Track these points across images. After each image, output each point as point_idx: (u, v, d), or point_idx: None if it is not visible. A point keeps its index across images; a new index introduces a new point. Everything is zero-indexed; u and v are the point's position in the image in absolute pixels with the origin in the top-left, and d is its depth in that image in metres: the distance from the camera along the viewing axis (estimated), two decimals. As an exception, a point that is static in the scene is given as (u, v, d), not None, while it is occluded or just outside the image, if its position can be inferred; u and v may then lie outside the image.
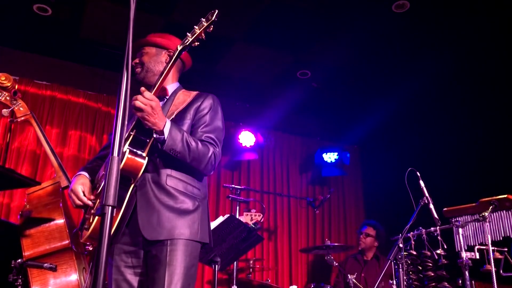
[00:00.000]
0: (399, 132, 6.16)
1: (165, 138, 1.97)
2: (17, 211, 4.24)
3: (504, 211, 3.32)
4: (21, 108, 3.26)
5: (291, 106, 5.89)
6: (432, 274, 3.32)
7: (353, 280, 4.16)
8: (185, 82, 2.43)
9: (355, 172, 6.66)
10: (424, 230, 3.41)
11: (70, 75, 5.19)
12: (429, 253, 3.36)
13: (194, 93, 2.32)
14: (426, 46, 4.70)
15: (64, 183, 3.18)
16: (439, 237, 3.30)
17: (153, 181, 2.05)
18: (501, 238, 3.30)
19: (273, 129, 6.22)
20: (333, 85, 5.64)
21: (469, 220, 3.36)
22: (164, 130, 1.97)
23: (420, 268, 3.38)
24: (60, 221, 2.96)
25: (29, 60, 5.05)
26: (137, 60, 2.31)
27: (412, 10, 4.16)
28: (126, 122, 1.39)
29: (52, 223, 2.95)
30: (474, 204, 3.34)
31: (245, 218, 4.38)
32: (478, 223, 3.32)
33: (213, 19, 2.01)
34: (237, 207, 4.71)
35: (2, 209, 4.54)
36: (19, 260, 2.75)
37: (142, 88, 1.99)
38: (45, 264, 2.70)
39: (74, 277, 2.90)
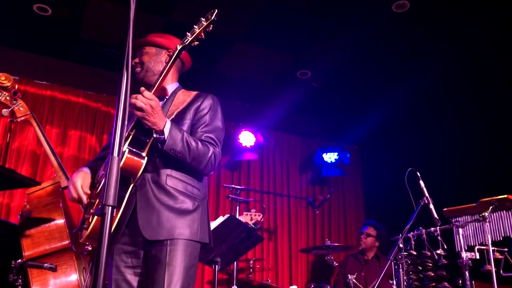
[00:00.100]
0: (399, 132, 6.16)
1: (165, 138, 1.97)
2: (17, 211, 4.24)
3: (504, 211, 3.32)
4: (21, 108, 3.26)
5: (291, 106, 5.89)
6: (432, 274, 3.32)
7: (353, 280, 4.16)
8: (185, 82, 2.43)
9: (355, 172, 6.66)
10: (424, 230, 3.41)
11: (70, 75, 5.20)
12: (429, 253, 3.36)
13: (194, 93, 2.32)
14: (426, 46, 4.70)
15: (64, 183, 3.18)
16: (439, 237, 3.30)
17: (153, 181, 2.05)
18: (501, 238, 3.30)
19: (273, 129, 6.22)
20: (333, 85, 5.64)
21: (469, 220, 3.36)
22: (164, 130, 1.97)
23: (420, 268, 3.38)
24: (60, 221, 2.96)
25: (29, 60, 5.05)
26: (137, 60, 2.32)
27: (412, 10, 4.16)
28: (126, 122, 1.39)
29: (52, 223, 2.95)
30: (474, 204, 3.34)
31: (245, 218, 4.38)
32: (478, 223, 3.32)
33: (212, 18, 2.01)
34: (237, 207, 4.71)
35: (2, 209, 4.54)
36: (19, 260, 2.75)
37: (142, 88, 1.98)
38: (45, 264, 2.70)
39: (74, 277, 2.90)
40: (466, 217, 3.41)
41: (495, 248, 3.18)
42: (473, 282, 3.18)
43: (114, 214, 1.33)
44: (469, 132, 5.27)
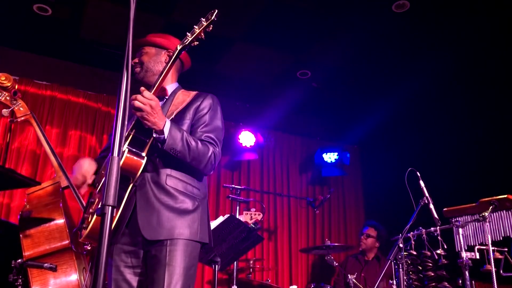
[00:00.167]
0: (399, 132, 6.16)
1: (165, 138, 1.97)
2: (17, 211, 4.24)
3: (504, 211, 3.32)
4: (21, 108, 3.26)
5: (291, 106, 5.89)
6: (432, 274, 3.32)
7: (353, 280, 4.16)
8: (184, 82, 2.43)
9: (355, 172, 6.66)
10: (424, 230, 3.41)
11: (70, 75, 5.20)
12: (429, 253, 3.36)
13: (193, 93, 2.32)
14: (426, 46, 4.69)
15: (64, 183, 3.18)
16: (439, 237, 3.30)
17: (153, 181, 2.05)
18: (501, 238, 3.30)
19: (273, 129, 6.22)
20: (333, 85, 5.63)
21: (469, 220, 3.36)
22: (164, 130, 1.97)
23: (420, 268, 3.38)
24: (60, 221, 2.96)
25: (29, 60, 5.05)
26: (136, 60, 2.32)
27: (412, 10, 4.16)
28: (126, 122, 1.39)
29: (52, 223, 2.95)
30: (474, 204, 3.34)
31: (244, 217, 4.38)
32: (478, 223, 3.32)
33: (212, 18, 2.01)
34: (237, 207, 4.71)
35: (2, 209, 4.54)
36: (19, 260, 2.75)
37: (142, 88, 1.98)
38: (45, 264, 2.70)
39: (74, 277, 2.90)
40: (466, 217, 3.41)
41: (495, 248, 3.19)
42: (473, 282, 3.18)
43: (114, 214, 1.32)
44: (469, 132, 5.27)
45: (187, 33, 2.04)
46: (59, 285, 2.86)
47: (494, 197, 3.22)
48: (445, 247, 3.28)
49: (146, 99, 1.93)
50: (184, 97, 2.28)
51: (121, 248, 2.04)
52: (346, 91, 5.76)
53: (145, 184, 2.04)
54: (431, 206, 3.24)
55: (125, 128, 1.41)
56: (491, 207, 3.16)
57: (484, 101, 5.15)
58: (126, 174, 1.93)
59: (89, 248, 3.12)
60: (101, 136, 5.19)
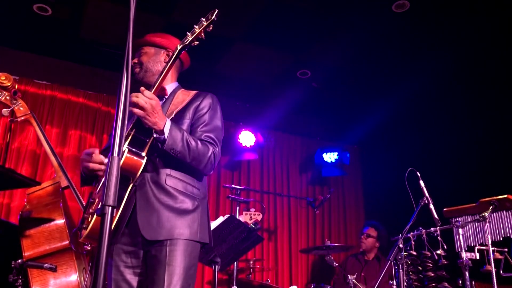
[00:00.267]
0: (399, 132, 6.16)
1: (165, 138, 1.97)
2: (17, 211, 4.24)
3: (504, 211, 3.32)
4: (21, 108, 3.26)
5: (291, 106, 5.88)
6: (432, 275, 3.32)
7: (353, 280, 4.16)
8: (184, 82, 2.43)
9: (355, 172, 6.66)
10: (424, 231, 3.40)
11: (70, 75, 5.19)
12: (429, 254, 3.36)
13: (193, 92, 2.32)
14: (426, 46, 4.69)
15: (64, 183, 3.18)
16: (439, 238, 3.30)
17: (153, 181, 2.04)
18: (501, 238, 3.30)
19: (273, 129, 6.22)
20: (333, 85, 5.63)
21: (469, 220, 3.36)
22: (164, 130, 1.97)
23: (420, 268, 3.38)
24: (60, 221, 2.96)
25: (29, 60, 5.05)
26: (136, 60, 2.31)
27: (412, 10, 4.16)
28: (126, 122, 1.39)
29: (52, 223, 2.95)
30: (474, 204, 3.34)
31: (244, 217, 4.38)
32: (478, 223, 3.32)
33: (213, 18, 2.01)
34: (237, 207, 4.71)
35: (2, 209, 4.54)
36: (19, 261, 2.75)
37: (142, 88, 1.98)
38: (45, 265, 2.70)
39: (74, 277, 2.89)
40: (466, 217, 3.41)
41: (495, 248, 3.18)
42: (473, 282, 3.18)
43: (114, 214, 1.32)
44: (469, 132, 5.27)
45: (187, 33, 2.04)
46: (59, 285, 2.86)
47: (494, 197, 3.22)
48: (445, 247, 3.28)
49: (147, 99, 1.93)
50: (184, 96, 2.28)
51: (121, 248, 2.04)
52: (346, 91, 5.76)
53: (145, 184, 2.04)
54: (431, 206, 3.24)
55: (125, 128, 1.41)
56: (491, 207, 3.16)
57: (484, 101, 5.15)
58: (126, 174, 1.93)
59: (89, 248, 3.12)
60: (101, 136, 5.19)
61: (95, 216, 1.88)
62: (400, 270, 3.24)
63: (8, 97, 3.23)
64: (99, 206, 1.31)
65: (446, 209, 3.50)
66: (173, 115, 2.16)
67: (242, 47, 4.90)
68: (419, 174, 3.38)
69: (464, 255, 3.12)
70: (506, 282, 3.42)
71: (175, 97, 2.27)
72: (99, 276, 1.23)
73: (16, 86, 3.31)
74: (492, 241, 3.17)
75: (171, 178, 2.06)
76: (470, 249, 3.24)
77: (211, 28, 2.03)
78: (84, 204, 2.55)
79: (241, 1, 4.18)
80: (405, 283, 3.26)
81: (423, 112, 5.79)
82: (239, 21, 4.48)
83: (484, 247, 3.17)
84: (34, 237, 2.90)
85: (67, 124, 5.06)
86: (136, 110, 1.92)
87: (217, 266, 3.46)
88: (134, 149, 1.96)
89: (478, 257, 3.16)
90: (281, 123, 6.18)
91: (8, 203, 4.57)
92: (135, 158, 1.94)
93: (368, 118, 5.92)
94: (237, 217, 4.32)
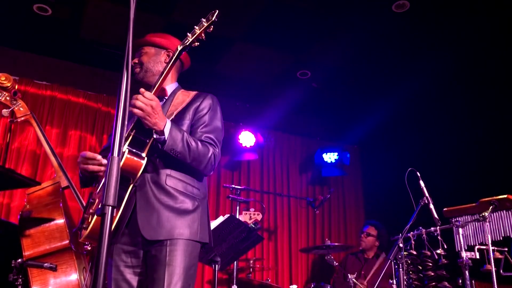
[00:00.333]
0: (399, 132, 6.16)
1: (166, 139, 1.97)
2: (17, 211, 4.24)
3: (504, 211, 3.32)
4: (21, 108, 3.26)
5: (291, 106, 5.89)
6: (432, 274, 3.32)
7: (353, 279, 4.17)
8: (184, 82, 2.43)
9: (355, 172, 6.67)
10: (424, 230, 3.41)
11: (70, 75, 5.20)
12: (429, 253, 3.36)
13: (193, 93, 2.32)
14: (426, 46, 4.69)
15: (64, 183, 3.18)
16: (439, 237, 3.30)
17: (153, 181, 2.05)
18: (501, 238, 3.30)
19: (273, 129, 6.22)
20: (333, 85, 5.64)
21: (469, 220, 3.36)
22: (165, 130, 1.97)
23: (420, 267, 3.39)
24: (60, 221, 2.96)
25: (29, 60, 5.05)
26: (136, 60, 2.31)
27: (412, 10, 4.16)
28: (126, 122, 1.39)
29: (52, 223, 2.96)
30: (474, 204, 3.34)
31: (244, 217, 4.38)
32: (478, 223, 3.33)
33: (213, 19, 2.01)
34: (237, 207, 4.71)
35: (2, 209, 4.54)
36: (19, 260, 2.75)
37: (142, 90, 1.98)
38: (45, 264, 2.70)
39: (74, 276, 2.90)
40: (466, 217, 3.41)
41: (495, 248, 3.19)
42: (473, 281, 3.19)
43: (114, 214, 1.32)
44: (469, 132, 5.27)
45: (188, 34, 2.04)
46: (59, 285, 2.86)
47: (494, 197, 3.22)
48: (445, 247, 3.28)
49: (147, 100, 1.93)
50: (184, 97, 2.28)
51: (121, 248, 2.04)
52: (346, 91, 5.76)
53: (145, 184, 2.04)
54: (431, 206, 3.25)
55: (125, 128, 1.41)
56: (491, 207, 3.16)
57: (484, 101, 5.15)
58: (127, 175, 1.93)
59: (89, 248, 3.12)
60: (101, 136, 5.19)
61: (95, 216, 1.88)
62: (400, 269, 3.24)
63: (8, 98, 3.23)
64: (99, 206, 1.31)
65: (446, 209, 3.50)
66: (173, 116, 2.16)
67: (242, 47, 4.90)
68: (419, 174, 3.38)
69: (464, 254, 3.13)
70: (506, 282, 3.42)
71: (175, 98, 2.27)
72: (99, 276, 1.23)
73: (16, 87, 3.31)
74: (492, 240, 3.17)
75: (171, 179, 2.06)
76: (470, 248, 3.24)
77: (211, 29, 2.03)
78: (84, 204, 2.55)
79: (241, 1, 4.18)
80: (405, 282, 3.26)
81: (423, 112, 5.79)
82: (239, 21, 4.48)
83: (484, 247, 3.18)
84: (34, 237, 2.90)
85: (67, 124, 5.06)
86: (136, 111, 1.92)
87: (217, 266, 3.47)
88: (134, 150, 1.96)
89: (478, 257, 3.17)
90: (281, 123, 6.18)
91: (8, 203, 4.57)
92: (135, 158, 1.94)
93: (368, 118, 5.93)
94: (237, 217, 4.32)
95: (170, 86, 2.31)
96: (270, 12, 4.32)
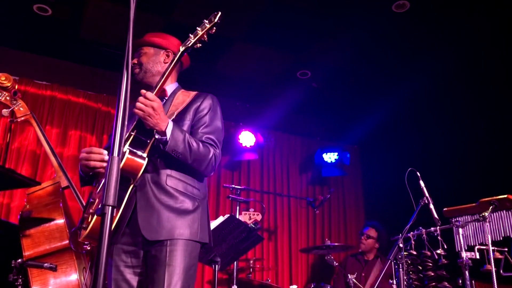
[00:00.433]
0: (399, 132, 6.16)
1: (167, 139, 1.97)
2: (17, 211, 4.24)
3: (504, 211, 3.32)
4: (21, 108, 3.26)
5: (291, 106, 5.89)
6: (432, 274, 3.32)
7: (353, 280, 4.16)
8: (184, 82, 2.43)
9: (355, 172, 6.66)
10: (424, 230, 3.41)
11: (70, 75, 5.19)
12: (429, 253, 3.36)
13: (193, 93, 2.32)
14: (426, 46, 4.69)
15: (64, 183, 3.18)
16: (439, 237, 3.30)
17: (153, 182, 2.05)
18: (501, 238, 3.30)
19: (273, 129, 6.22)
20: (333, 85, 5.64)
21: (469, 220, 3.36)
22: (166, 131, 1.97)
23: (420, 268, 3.38)
24: (60, 221, 2.97)
25: (29, 60, 5.05)
26: (135, 61, 2.31)
27: (412, 10, 4.16)
28: (126, 122, 1.39)
29: (52, 223, 2.96)
30: (474, 204, 3.34)
31: (243, 218, 4.38)
32: (478, 223, 3.33)
33: (215, 21, 2.01)
34: (237, 207, 4.71)
35: (2, 209, 4.54)
36: (19, 260, 2.75)
37: (143, 91, 1.98)
38: (45, 264, 2.70)
39: (74, 277, 2.90)
40: (466, 217, 3.41)
41: (495, 248, 3.19)
42: (473, 282, 3.19)
43: (114, 214, 1.32)
44: (469, 132, 5.27)
45: (190, 35, 2.04)
46: (59, 285, 2.86)
47: (494, 197, 3.22)
48: (445, 247, 3.28)
49: (149, 100, 1.93)
50: (184, 97, 2.28)
51: (121, 248, 2.04)
52: (346, 91, 5.76)
53: (145, 184, 2.04)
54: (431, 206, 3.24)
55: (125, 128, 1.41)
56: (491, 207, 3.16)
57: (484, 101, 5.15)
58: (127, 175, 1.93)
59: (89, 248, 3.12)
60: (101, 136, 5.19)
61: (95, 216, 1.88)
62: (400, 269, 3.24)
63: (8, 98, 3.23)
64: (99, 206, 1.31)
65: (446, 209, 3.50)
66: (173, 116, 2.16)
67: (242, 47, 4.90)
68: (419, 174, 3.38)
69: (464, 254, 3.13)
70: (506, 282, 3.42)
71: (175, 98, 2.28)
72: (99, 276, 1.23)
73: (16, 87, 3.31)
74: (492, 240, 3.17)
75: (172, 179, 2.06)
76: (470, 248, 3.24)
77: (213, 30, 2.03)
78: (84, 204, 2.55)
79: (241, 1, 4.18)
80: (405, 282, 3.26)
81: (423, 112, 5.79)
82: (239, 21, 4.48)
83: (484, 247, 3.18)
84: (34, 237, 2.90)
85: (67, 124, 5.06)
86: (137, 111, 1.93)
87: (217, 266, 3.46)
88: (135, 150, 1.96)
89: (478, 257, 3.17)
90: (281, 123, 6.18)
91: (8, 203, 4.57)
92: (136, 159, 1.94)
93: (368, 118, 5.92)
94: (237, 217, 4.32)
95: (170, 86, 2.31)
96: (270, 12, 4.32)
